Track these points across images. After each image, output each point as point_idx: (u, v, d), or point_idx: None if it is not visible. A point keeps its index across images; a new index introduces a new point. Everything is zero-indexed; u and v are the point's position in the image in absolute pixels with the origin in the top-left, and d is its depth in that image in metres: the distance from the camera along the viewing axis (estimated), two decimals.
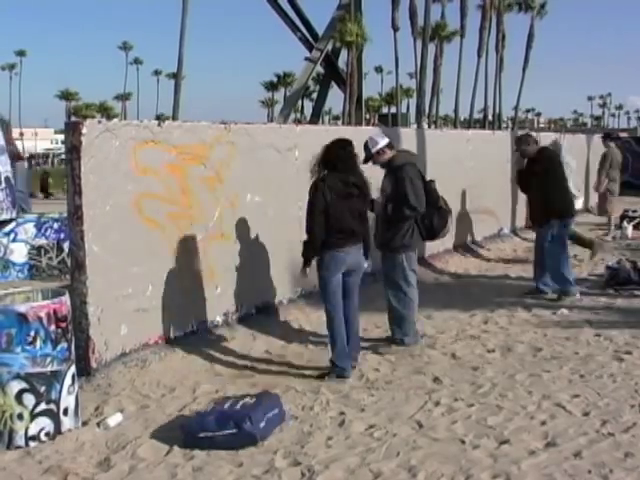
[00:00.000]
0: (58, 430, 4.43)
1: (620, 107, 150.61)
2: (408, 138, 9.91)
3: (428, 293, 8.69)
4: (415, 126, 39.95)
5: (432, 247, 10.44)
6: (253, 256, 6.91)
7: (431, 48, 50.80)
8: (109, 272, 5.41)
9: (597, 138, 18.82)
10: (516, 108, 65.50)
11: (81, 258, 5.26)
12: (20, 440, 4.33)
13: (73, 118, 67.97)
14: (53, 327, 4.37)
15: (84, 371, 5.18)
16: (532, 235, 13.40)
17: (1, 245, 9.72)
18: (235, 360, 6.04)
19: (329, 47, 39.91)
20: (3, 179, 9.54)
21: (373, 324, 7.03)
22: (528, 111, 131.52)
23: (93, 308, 5.30)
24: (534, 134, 10.09)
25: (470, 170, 11.44)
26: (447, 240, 10.81)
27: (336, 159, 5.46)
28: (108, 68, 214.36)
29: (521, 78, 59.55)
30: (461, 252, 11.06)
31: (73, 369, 4.57)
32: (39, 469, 4.06)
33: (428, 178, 6.44)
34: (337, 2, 40.88)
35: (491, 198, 12.25)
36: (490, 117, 61.58)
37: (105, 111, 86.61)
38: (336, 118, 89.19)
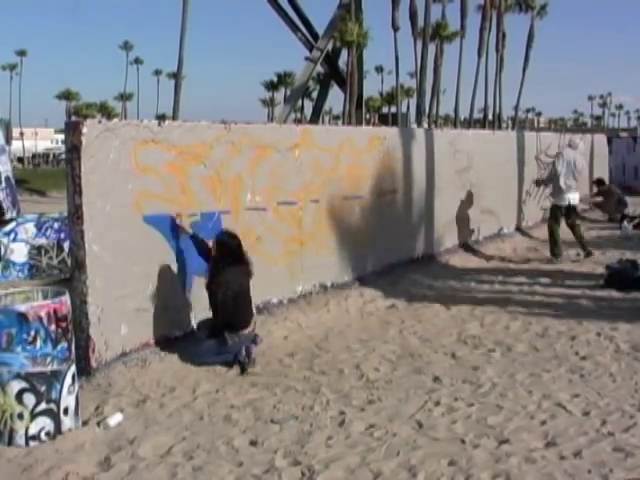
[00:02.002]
0: (58, 430, 4.43)
1: (620, 107, 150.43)
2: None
3: (428, 292, 8.71)
4: (415, 126, 39.92)
5: (433, 246, 10.45)
6: (254, 256, 6.91)
7: (431, 48, 50.71)
8: (109, 272, 5.41)
9: (599, 138, 18.90)
10: (516, 108, 65.35)
11: (81, 258, 5.26)
12: (20, 440, 4.33)
13: (73, 118, 67.95)
14: (53, 327, 4.37)
15: (84, 371, 5.18)
16: (534, 234, 13.45)
17: (1, 245, 9.72)
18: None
19: (329, 47, 39.86)
20: (3, 179, 9.54)
21: None
22: (528, 111, 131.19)
23: (93, 308, 5.30)
24: None
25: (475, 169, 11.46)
26: (447, 239, 10.84)
27: None
28: (109, 68, 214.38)
29: (521, 78, 59.44)
30: (462, 251, 11.05)
31: (73, 369, 4.57)
32: (39, 469, 4.06)
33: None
34: (337, 2, 40.84)
35: (492, 197, 12.24)
36: (490, 117, 61.45)
37: (105, 111, 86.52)
38: (336, 118, 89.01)
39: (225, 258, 5.93)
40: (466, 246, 11.38)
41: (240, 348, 5.88)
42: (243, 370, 5.81)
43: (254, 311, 6.30)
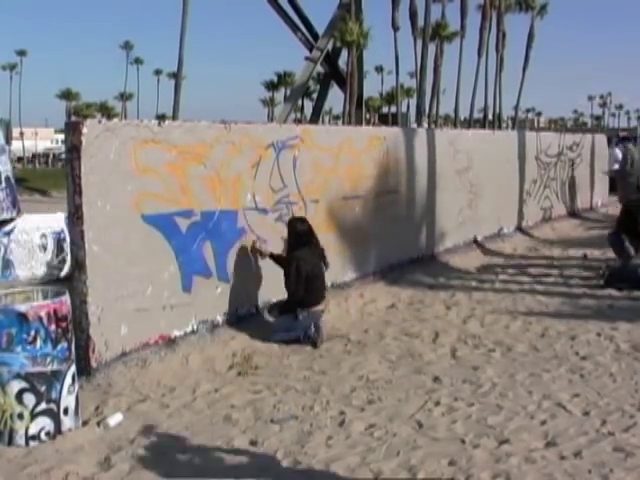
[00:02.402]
0: (58, 430, 4.43)
1: (620, 107, 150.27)
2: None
3: (428, 292, 8.71)
4: (415, 126, 39.93)
5: (433, 246, 10.45)
6: (253, 256, 6.91)
7: (431, 48, 50.67)
8: (109, 272, 5.41)
9: (599, 138, 18.89)
10: (516, 108, 65.34)
11: (81, 258, 5.26)
12: (20, 440, 4.33)
13: (73, 118, 67.96)
14: (53, 327, 4.37)
15: (84, 371, 5.18)
16: (535, 233, 13.45)
17: (1, 245, 9.72)
18: (235, 360, 6.04)
19: (329, 47, 39.87)
20: (3, 179, 9.53)
21: None
22: (528, 111, 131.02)
23: (93, 308, 5.30)
24: None
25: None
26: (447, 239, 10.85)
27: None
28: (109, 68, 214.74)
29: (521, 78, 59.49)
30: (462, 251, 11.05)
31: (73, 369, 4.57)
32: (39, 469, 4.06)
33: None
34: (337, 2, 40.84)
35: (491, 197, 12.25)
36: (490, 117, 61.42)
37: (106, 111, 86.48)
38: (336, 118, 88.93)
39: (296, 240, 6.62)
40: (466, 246, 11.38)
41: (310, 324, 6.46)
42: (314, 345, 6.39)
43: (326, 292, 6.88)
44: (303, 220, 6.85)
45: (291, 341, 6.43)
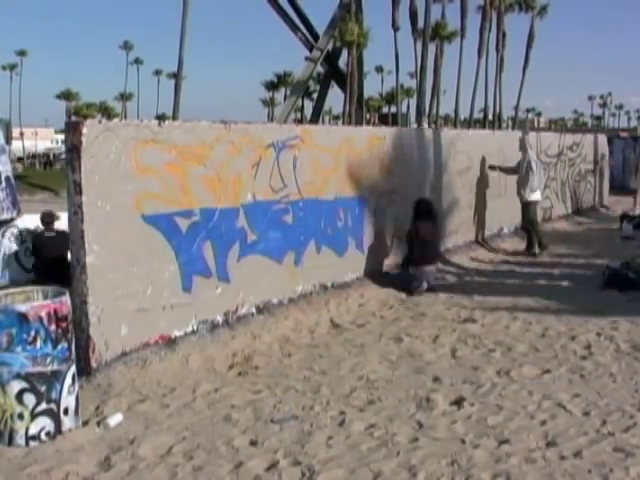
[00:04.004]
0: (58, 430, 4.43)
1: (620, 107, 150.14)
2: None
3: (429, 291, 8.71)
4: (415, 126, 39.95)
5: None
6: (252, 256, 6.91)
7: (431, 48, 50.67)
8: (109, 272, 5.41)
9: (601, 138, 18.92)
10: (516, 108, 65.30)
11: (81, 258, 5.26)
12: (20, 440, 4.34)
13: (73, 118, 67.98)
14: (53, 327, 4.37)
15: (84, 371, 5.18)
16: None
17: (1, 245, 9.71)
18: (235, 360, 6.04)
19: (329, 47, 39.85)
20: (3, 179, 9.54)
21: None
22: (528, 111, 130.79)
23: (93, 308, 5.30)
24: None
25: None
26: (448, 239, 10.84)
27: None
28: (109, 68, 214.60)
29: (521, 78, 59.54)
30: (463, 251, 11.05)
31: (73, 369, 4.57)
32: (39, 469, 4.06)
33: None
34: (337, 2, 40.83)
35: (492, 197, 12.24)
36: (490, 117, 61.42)
37: (105, 111, 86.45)
38: (336, 118, 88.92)
39: (419, 214, 8.77)
40: (467, 245, 11.37)
41: (417, 279, 8.58)
42: (411, 293, 8.49)
43: (437, 255, 9.23)
44: (426, 201, 8.99)
45: (402, 288, 8.52)
